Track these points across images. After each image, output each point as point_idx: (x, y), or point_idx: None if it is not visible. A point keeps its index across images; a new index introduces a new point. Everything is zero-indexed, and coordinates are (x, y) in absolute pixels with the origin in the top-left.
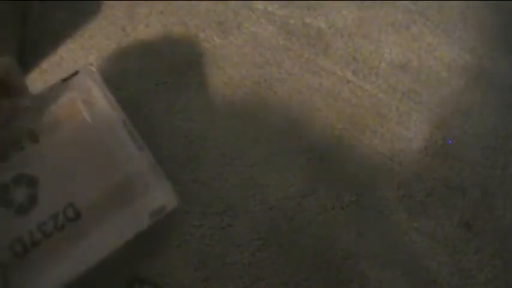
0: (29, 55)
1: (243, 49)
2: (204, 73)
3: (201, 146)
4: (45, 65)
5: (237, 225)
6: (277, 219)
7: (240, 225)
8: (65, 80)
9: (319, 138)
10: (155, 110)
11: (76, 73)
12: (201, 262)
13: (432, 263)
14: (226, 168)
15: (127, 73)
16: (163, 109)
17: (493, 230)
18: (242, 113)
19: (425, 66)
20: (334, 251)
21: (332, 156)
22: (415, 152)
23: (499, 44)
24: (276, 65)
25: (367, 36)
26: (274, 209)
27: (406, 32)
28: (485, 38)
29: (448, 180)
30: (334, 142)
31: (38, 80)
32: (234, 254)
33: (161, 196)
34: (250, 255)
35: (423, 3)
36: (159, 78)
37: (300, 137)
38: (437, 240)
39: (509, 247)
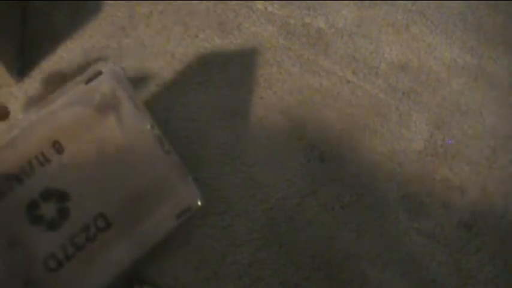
0: (29, 55)
1: (243, 49)
2: (204, 73)
3: (201, 146)
4: (45, 64)
5: (237, 225)
6: (277, 219)
7: (240, 225)
8: (88, 82)
9: (319, 138)
10: (155, 110)
11: (99, 73)
12: (201, 262)
13: (432, 263)
14: (226, 168)
15: (126, 73)
16: (163, 109)
17: (493, 230)
18: (242, 113)
19: (425, 66)
20: (334, 251)
21: (332, 156)
22: (415, 152)
23: (499, 44)
24: (276, 65)
25: (367, 36)
26: (274, 209)
27: (406, 32)
28: (485, 38)
29: (448, 180)
30: (334, 142)
31: (37, 80)
32: (234, 254)
33: (187, 197)
34: (250, 255)
35: (423, 3)
36: (159, 78)
37: (300, 137)
38: (437, 240)
39: (509, 247)
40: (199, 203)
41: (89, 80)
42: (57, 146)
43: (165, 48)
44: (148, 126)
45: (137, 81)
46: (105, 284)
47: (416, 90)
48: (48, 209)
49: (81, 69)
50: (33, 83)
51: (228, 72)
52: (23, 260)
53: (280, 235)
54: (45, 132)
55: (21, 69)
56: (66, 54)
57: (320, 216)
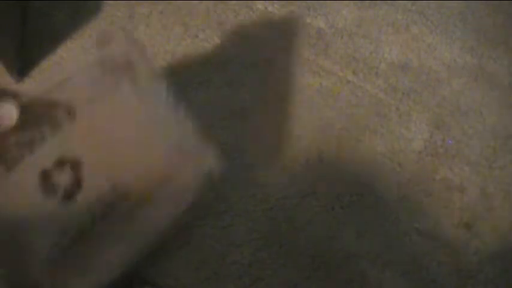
0: (29, 55)
1: (243, 49)
2: (204, 73)
3: None
4: (45, 64)
5: (237, 225)
6: (277, 219)
7: (240, 225)
8: (100, 46)
9: (319, 138)
10: None
11: (112, 37)
12: (201, 262)
13: (432, 263)
14: (226, 168)
15: None
16: None
17: (493, 230)
18: (242, 113)
19: (425, 66)
20: (334, 251)
21: (332, 156)
22: (415, 152)
23: (499, 44)
24: (276, 65)
25: (367, 36)
26: (274, 209)
27: (406, 32)
28: (485, 38)
29: (448, 180)
30: (334, 142)
31: (38, 80)
32: (234, 254)
33: (207, 161)
34: (250, 255)
35: (423, 3)
36: None
37: (300, 137)
38: (437, 240)
39: (509, 247)
40: (221, 165)
41: (102, 44)
42: (70, 112)
43: (165, 48)
44: (164, 91)
45: None
46: (128, 263)
47: (416, 90)
48: (63, 178)
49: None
50: (33, 83)
51: (228, 72)
52: (37, 233)
53: (280, 235)
54: (58, 98)
55: (21, 69)
56: (66, 54)
57: (320, 216)
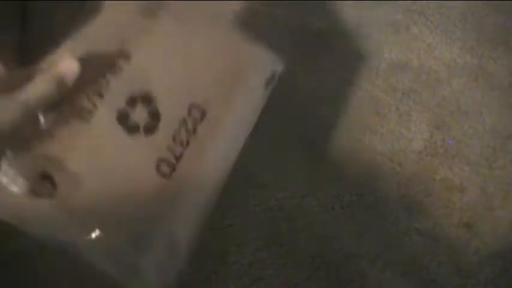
0: (29, 55)
1: None
2: None
3: None
4: (45, 65)
5: (237, 225)
6: (277, 219)
7: (240, 225)
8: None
9: (319, 138)
10: None
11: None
12: (201, 262)
13: (432, 263)
14: None
15: None
16: None
17: (493, 230)
18: None
19: (425, 66)
20: (334, 251)
21: (332, 156)
22: (415, 152)
23: (499, 44)
24: None
25: (367, 36)
26: (274, 209)
27: (406, 32)
28: (485, 38)
29: (448, 180)
30: (334, 142)
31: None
32: (234, 254)
33: (269, 63)
34: (250, 255)
35: (423, 3)
36: None
37: (300, 137)
38: (437, 240)
39: (509, 247)
40: (281, 64)
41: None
42: (124, 55)
43: None
44: (201, 15)
45: None
46: (222, 177)
47: (416, 90)
48: (139, 115)
49: None
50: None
51: None
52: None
53: (280, 235)
54: (109, 45)
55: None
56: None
57: (320, 216)
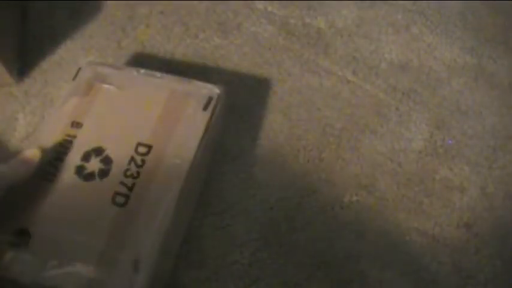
0: (29, 55)
1: (243, 49)
2: (203, 73)
3: None
4: (45, 65)
5: (237, 225)
6: (277, 219)
7: (240, 225)
8: (74, 79)
9: (319, 138)
10: None
11: (79, 70)
12: (201, 262)
13: (432, 263)
14: (226, 168)
15: None
16: None
17: (493, 230)
18: (242, 113)
19: (425, 66)
20: (334, 251)
21: (332, 156)
22: (415, 152)
23: (499, 44)
24: (276, 65)
25: (367, 36)
26: (274, 209)
27: (406, 32)
28: (485, 38)
29: (448, 180)
30: (334, 142)
31: (38, 80)
32: (234, 254)
33: (204, 91)
34: (250, 255)
35: (423, 3)
36: None
37: (300, 136)
38: (437, 240)
39: (509, 247)
40: (217, 90)
41: (74, 77)
42: (76, 124)
43: (165, 48)
44: (135, 72)
45: None
46: (177, 195)
47: (416, 90)
48: (93, 165)
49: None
50: (33, 83)
51: (227, 72)
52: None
53: (280, 235)
54: (63, 118)
55: (21, 69)
56: (66, 54)
57: (320, 216)
